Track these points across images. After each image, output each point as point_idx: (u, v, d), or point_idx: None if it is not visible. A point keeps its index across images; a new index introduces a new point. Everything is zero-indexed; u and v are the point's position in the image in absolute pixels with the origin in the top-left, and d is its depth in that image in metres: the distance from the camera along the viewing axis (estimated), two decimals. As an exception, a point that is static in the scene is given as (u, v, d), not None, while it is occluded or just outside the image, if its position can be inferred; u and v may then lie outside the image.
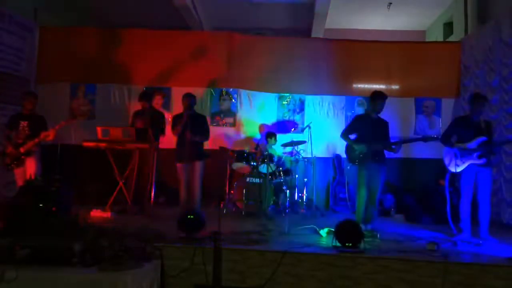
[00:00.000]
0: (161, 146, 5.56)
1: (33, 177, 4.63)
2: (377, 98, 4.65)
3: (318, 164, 6.30)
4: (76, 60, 6.63)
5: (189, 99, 5.15)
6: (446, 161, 4.41)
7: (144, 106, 5.53)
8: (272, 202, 5.68)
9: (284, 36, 7.63)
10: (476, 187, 4.32)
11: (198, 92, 6.57)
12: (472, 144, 4.22)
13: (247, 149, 6.23)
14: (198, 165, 5.13)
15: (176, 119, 5.19)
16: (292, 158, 6.18)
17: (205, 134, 5.27)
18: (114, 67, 6.67)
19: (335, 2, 8.26)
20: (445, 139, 4.47)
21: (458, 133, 4.39)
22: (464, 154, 4.25)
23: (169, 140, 5.84)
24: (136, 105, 5.98)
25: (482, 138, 4.17)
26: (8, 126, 5.14)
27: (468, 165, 4.23)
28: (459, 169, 4.29)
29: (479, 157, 4.16)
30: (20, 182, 4.94)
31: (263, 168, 5.71)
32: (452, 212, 4.39)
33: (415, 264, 3.29)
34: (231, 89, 6.77)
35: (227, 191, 5.84)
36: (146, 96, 5.53)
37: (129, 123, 5.62)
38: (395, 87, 6.79)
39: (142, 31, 6.93)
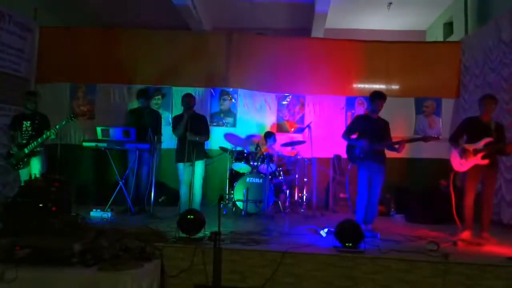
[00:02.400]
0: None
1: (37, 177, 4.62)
2: (377, 98, 4.65)
3: (318, 164, 6.29)
4: (76, 60, 6.62)
5: (189, 99, 5.16)
6: (452, 160, 4.41)
7: (142, 103, 5.51)
8: (272, 202, 5.68)
9: (284, 36, 7.62)
10: (480, 186, 4.32)
11: (198, 92, 6.60)
12: (478, 144, 4.19)
13: (251, 148, 6.23)
14: (199, 165, 5.15)
15: (177, 119, 5.19)
16: (292, 158, 6.18)
17: (206, 134, 5.29)
18: (114, 67, 6.66)
19: (335, 2, 8.26)
20: (453, 139, 4.46)
21: (468, 133, 4.40)
22: (468, 154, 4.24)
23: (169, 140, 5.86)
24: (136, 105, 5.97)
25: (488, 139, 4.15)
26: (11, 127, 5.12)
27: (476, 164, 4.20)
28: (463, 169, 4.29)
29: (483, 158, 4.15)
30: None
31: (263, 168, 5.71)
32: (455, 211, 4.40)
33: (415, 264, 3.29)
34: (231, 89, 6.78)
35: (227, 191, 5.84)
36: (145, 93, 5.53)
37: (125, 123, 5.58)
38: (395, 87, 6.79)
39: (142, 31, 6.93)
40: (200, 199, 5.24)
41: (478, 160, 4.17)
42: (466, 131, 4.42)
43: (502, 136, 4.25)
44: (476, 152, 4.18)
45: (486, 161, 4.14)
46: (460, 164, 4.30)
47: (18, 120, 5.11)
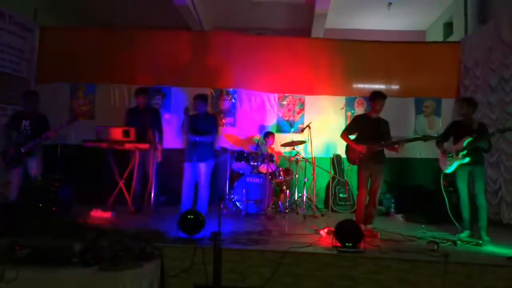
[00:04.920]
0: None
1: (34, 177, 4.62)
2: (376, 98, 4.67)
3: (318, 164, 6.30)
4: (76, 60, 6.62)
5: (195, 100, 5.15)
6: (440, 163, 4.58)
7: (140, 101, 5.51)
8: (272, 202, 5.68)
9: (284, 36, 7.61)
10: (471, 187, 4.39)
11: (198, 92, 6.58)
12: (459, 144, 4.36)
13: (253, 149, 6.23)
14: (205, 166, 5.03)
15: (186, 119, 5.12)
16: (292, 158, 6.18)
17: (212, 134, 5.15)
18: (114, 67, 6.66)
19: (335, 2, 8.26)
20: (439, 142, 4.63)
21: (453, 136, 4.56)
22: (451, 155, 4.43)
23: (169, 140, 5.85)
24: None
25: (468, 138, 4.28)
26: (9, 125, 5.08)
27: (460, 164, 4.35)
28: (448, 170, 4.46)
29: (463, 156, 4.30)
30: (16, 182, 4.91)
31: (263, 168, 5.71)
32: (454, 211, 4.42)
33: (415, 264, 3.30)
34: (231, 89, 6.78)
35: (227, 191, 5.84)
36: (143, 90, 5.53)
37: (124, 122, 5.55)
38: (395, 87, 6.80)
39: (142, 31, 6.92)
40: (208, 200, 5.10)
41: (459, 158, 4.33)
42: (451, 134, 4.59)
43: (484, 135, 4.34)
44: (457, 152, 4.34)
45: (467, 160, 4.29)
46: (445, 166, 4.48)
47: (17, 118, 5.07)
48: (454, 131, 4.56)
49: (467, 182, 4.42)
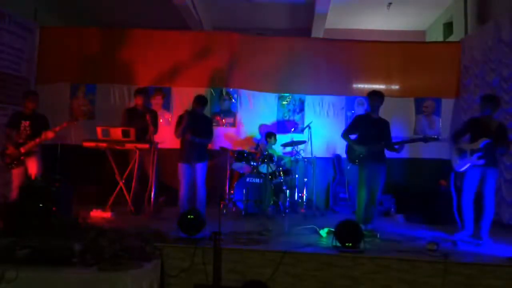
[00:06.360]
0: (161, 146, 5.54)
1: (33, 177, 4.62)
2: (373, 97, 4.67)
3: (318, 164, 6.30)
4: (76, 60, 6.62)
5: (194, 100, 5.16)
6: (452, 160, 4.44)
7: (139, 102, 5.51)
8: (272, 202, 5.68)
9: (284, 36, 7.62)
10: (481, 187, 4.29)
11: (198, 92, 6.59)
12: (475, 144, 4.21)
13: (253, 148, 6.23)
14: (200, 167, 5.07)
15: (179, 119, 5.15)
16: (292, 158, 6.18)
17: (208, 136, 5.20)
18: (114, 67, 6.66)
19: (335, 2, 8.26)
20: (454, 138, 4.48)
21: (470, 133, 4.39)
22: (465, 154, 4.27)
23: (169, 140, 5.84)
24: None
25: (486, 140, 4.12)
26: (9, 125, 5.08)
27: (473, 165, 4.21)
28: (461, 169, 4.32)
29: (478, 158, 4.15)
30: (16, 182, 4.91)
31: (263, 168, 5.71)
32: (456, 211, 4.40)
33: (415, 264, 3.30)
34: (231, 89, 6.77)
35: (227, 191, 5.84)
36: (143, 91, 5.53)
37: (121, 122, 5.53)
38: (395, 87, 6.79)
39: (142, 31, 6.92)
40: (205, 200, 5.14)
41: (474, 160, 4.17)
42: (469, 131, 4.41)
43: (503, 137, 4.19)
44: (472, 152, 4.19)
45: (482, 162, 4.14)
46: (457, 165, 4.34)
47: (17, 118, 5.07)
48: (471, 129, 4.36)
49: (476, 183, 4.26)
